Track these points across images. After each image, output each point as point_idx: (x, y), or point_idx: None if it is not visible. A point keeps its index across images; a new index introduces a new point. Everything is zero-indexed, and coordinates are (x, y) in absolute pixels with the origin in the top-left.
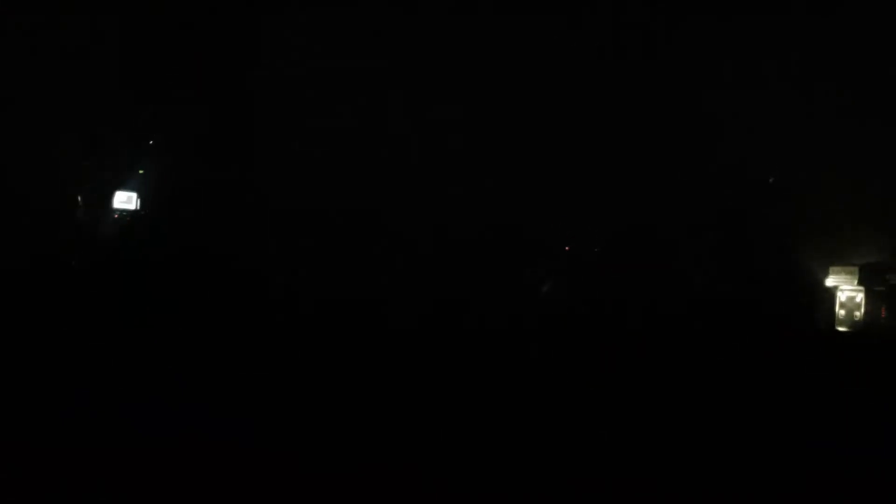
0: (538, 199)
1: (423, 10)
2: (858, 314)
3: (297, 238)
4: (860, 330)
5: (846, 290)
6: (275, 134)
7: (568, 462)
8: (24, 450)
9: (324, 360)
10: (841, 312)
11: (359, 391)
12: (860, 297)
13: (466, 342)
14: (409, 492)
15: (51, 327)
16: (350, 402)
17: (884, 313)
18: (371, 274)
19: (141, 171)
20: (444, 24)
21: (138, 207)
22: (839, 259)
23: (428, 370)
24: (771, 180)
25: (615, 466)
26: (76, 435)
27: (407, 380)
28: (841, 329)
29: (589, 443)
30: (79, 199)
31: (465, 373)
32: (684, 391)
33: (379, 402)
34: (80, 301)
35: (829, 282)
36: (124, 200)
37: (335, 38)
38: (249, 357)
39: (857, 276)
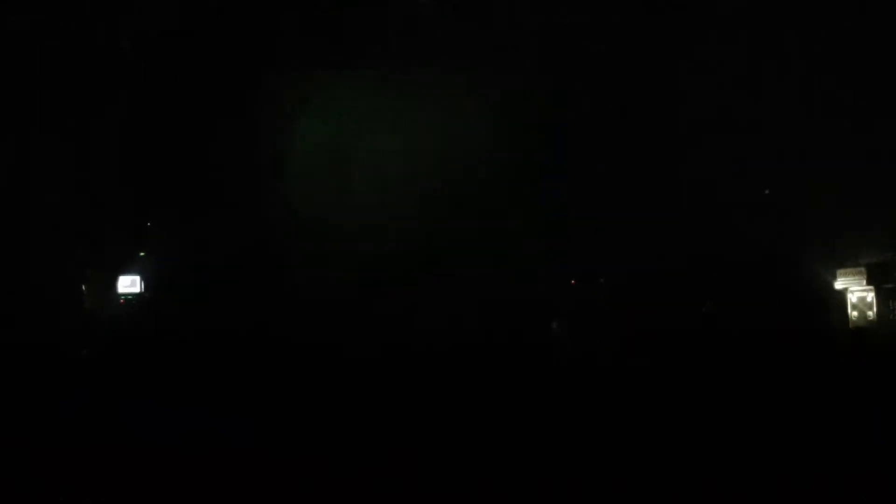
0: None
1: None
2: (871, 313)
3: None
4: (875, 328)
5: (856, 292)
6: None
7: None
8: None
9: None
10: (854, 314)
11: (359, 395)
12: (871, 296)
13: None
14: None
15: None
16: (350, 405)
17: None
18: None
19: (142, 254)
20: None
21: (142, 290)
22: (845, 261)
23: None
24: (766, 192)
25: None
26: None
27: (408, 385)
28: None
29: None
30: (83, 287)
31: (464, 380)
32: (702, 398)
33: (379, 406)
34: (91, 389)
35: (838, 284)
36: (128, 285)
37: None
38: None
39: (865, 276)
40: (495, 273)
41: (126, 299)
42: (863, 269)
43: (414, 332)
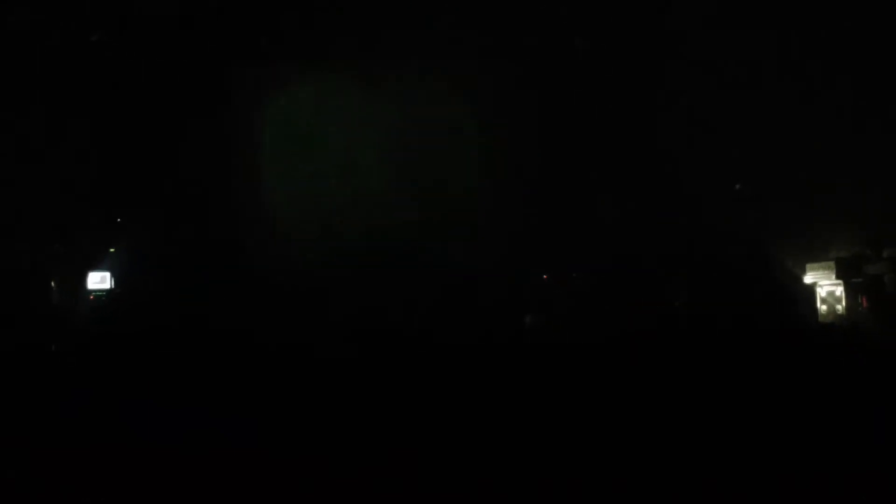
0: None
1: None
2: (840, 307)
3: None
4: (844, 323)
5: (825, 286)
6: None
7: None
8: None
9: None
10: (823, 308)
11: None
12: (840, 290)
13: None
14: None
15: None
16: (350, 405)
17: (865, 304)
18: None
19: (112, 250)
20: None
21: (113, 286)
22: (814, 255)
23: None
24: (737, 186)
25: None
26: None
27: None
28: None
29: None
30: (52, 284)
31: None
32: (677, 397)
33: (378, 406)
34: (63, 387)
35: (808, 279)
36: (98, 281)
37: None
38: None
39: (834, 271)
40: (466, 268)
41: (96, 296)
42: (832, 264)
43: (392, 328)
